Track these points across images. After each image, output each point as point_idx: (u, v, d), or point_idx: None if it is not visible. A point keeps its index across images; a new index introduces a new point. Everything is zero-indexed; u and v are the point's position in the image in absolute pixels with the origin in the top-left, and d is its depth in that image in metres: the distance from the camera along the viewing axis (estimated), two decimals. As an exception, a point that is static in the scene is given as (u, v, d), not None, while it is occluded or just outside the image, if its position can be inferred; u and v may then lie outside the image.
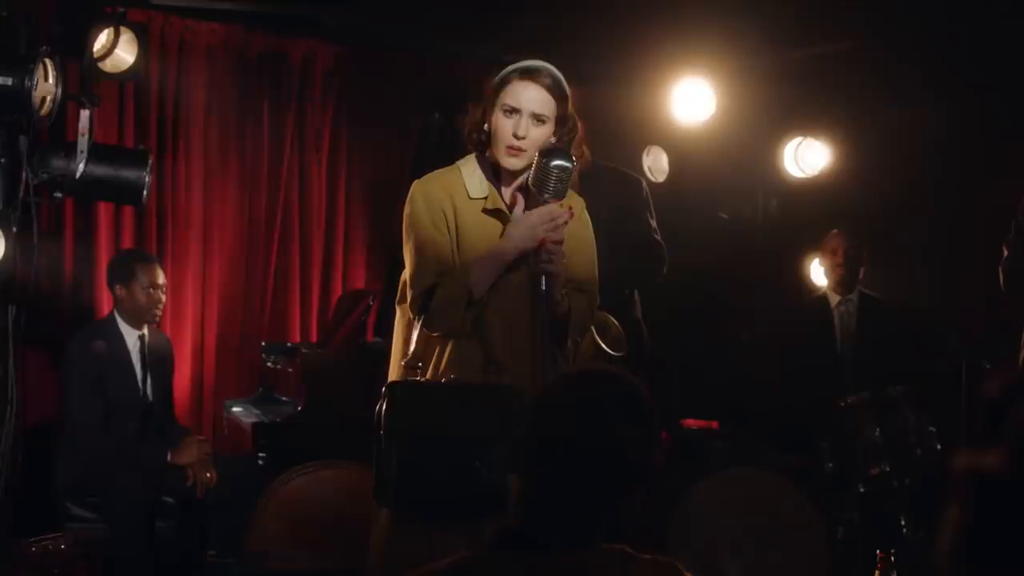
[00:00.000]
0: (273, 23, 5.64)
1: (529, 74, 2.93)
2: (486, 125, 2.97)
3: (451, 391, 2.79)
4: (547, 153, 2.85)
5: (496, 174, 3.01)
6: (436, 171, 3.07)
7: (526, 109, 2.91)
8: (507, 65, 3.03)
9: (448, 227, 2.96)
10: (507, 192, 3.02)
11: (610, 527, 1.81)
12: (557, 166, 2.82)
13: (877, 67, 5.62)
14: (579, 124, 3.03)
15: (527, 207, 2.98)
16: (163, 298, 4.69)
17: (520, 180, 2.98)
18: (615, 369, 1.86)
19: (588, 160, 3.07)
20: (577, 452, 1.71)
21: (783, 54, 5.62)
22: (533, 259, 2.87)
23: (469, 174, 3.00)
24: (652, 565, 1.72)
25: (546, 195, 2.84)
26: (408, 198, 3.02)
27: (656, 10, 4.99)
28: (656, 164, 5.91)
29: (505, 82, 2.94)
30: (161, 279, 4.66)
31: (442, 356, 2.93)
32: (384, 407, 2.67)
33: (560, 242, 2.85)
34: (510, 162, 2.95)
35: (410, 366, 2.82)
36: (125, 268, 4.64)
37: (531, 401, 1.83)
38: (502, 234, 2.94)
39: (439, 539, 2.55)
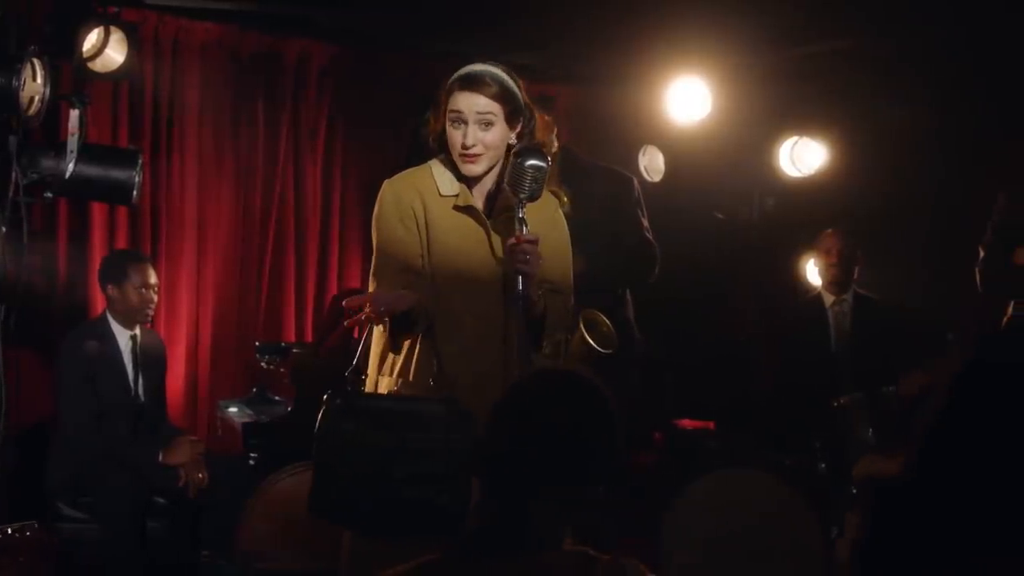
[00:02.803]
0: (267, 23, 5.64)
1: (469, 83, 2.93)
2: (444, 132, 2.99)
3: (386, 403, 2.80)
4: (521, 153, 2.86)
5: (465, 177, 3.02)
6: (407, 170, 3.08)
7: (469, 116, 2.92)
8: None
9: (417, 225, 2.98)
10: (477, 190, 3.02)
11: (589, 526, 1.80)
12: (532, 166, 2.82)
13: (873, 66, 5.60)
14: (537, 114, 3.03)
15: (500, 206, 2.98)
16: (155, 298, 4.68)
17: (489, 180, 3.00)
18: (575, 369, 1.85)
19: (555, 149, 3.07)
20: (537, 453, 1.70)
21: (779, 53, 5.61)
22: (508, 260, 2.87)
23: (440, 173, 3.02)
24: (615, 566, 1.71)
25: (522, 195, 2.84)
26: (378, 197, 3.05)
27: (651, 9, 4.98)
28: (652, 164, 5.91)
29: (450, 91, 2.96)
30: (153, 279, 4.66)
31: (399, 358, 2.96)
32: (320, 415, 2.69)
33: (535, 242, 2.84)
34: (467, 169, 2.97)
35: (355, 371, 2.83)
36: (117, 268, 4.63)
37: (492, 404, 1.82)
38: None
39: (401, 544, 2.55)
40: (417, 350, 2.96)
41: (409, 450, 2.61)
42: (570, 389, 1.77)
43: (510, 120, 2.95)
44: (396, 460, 2.61)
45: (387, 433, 2.65)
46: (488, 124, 2.92)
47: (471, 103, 2.91)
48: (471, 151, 2.93)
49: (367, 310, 2.76)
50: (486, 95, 2.91)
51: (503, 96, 2.93)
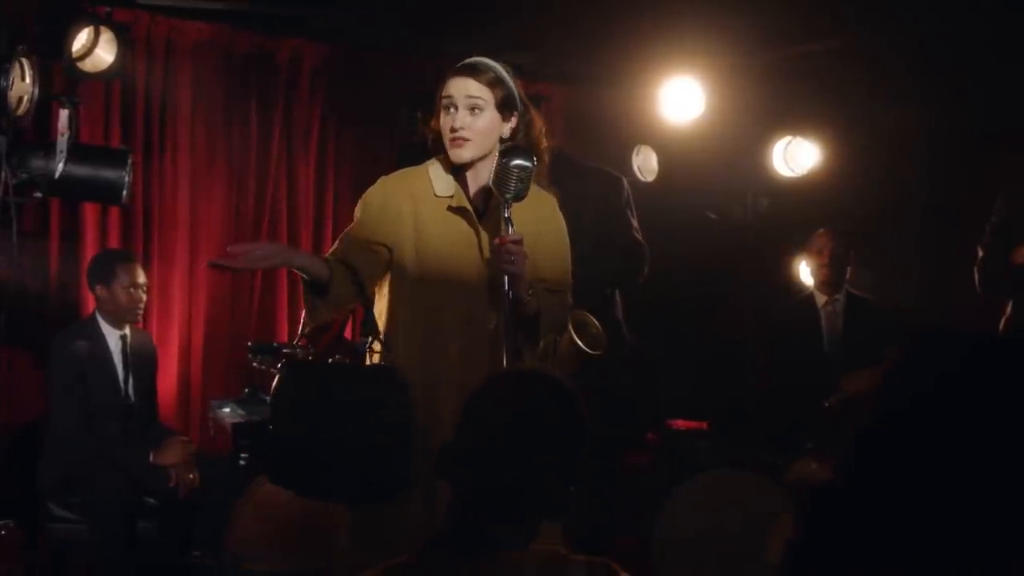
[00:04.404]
0: (260, 23, 5.63)
1: (462, 69, 2.97)
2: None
3: (327, 368, 2.88)
4: (507, 153, 2.85)
5: (460, 174, 3.01)
6: (404, 169, 3.09)
7: (459, 100, 2.94)
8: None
9: (402, 227, 2.97)
10: (472, 186, 3.02)
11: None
12: (517, 166, 2.81)
13: (866, 66, 5.59)
14: (536, 116, 3.03)
15: (490, 207, 2.98)
16: (144, 297, 4.68)
17: (484, 175, 2.99)
18: (545, 370, 1.85)
19: (549, 151, 3.08)
20: (506, 454, 1.70)
21: (772, 53, 5.60)
22: (493, 260, 2.86)
23: (436, 174, 3.03)
24: (586, 566, 1.71)
25: (508, 195, 2.83)
26: (370, 188, 3.06)
27: (645, 9, 4.97)
28: (645, 164, 5.91)
29: (444, 79, 2.99)
30: (142, 278, 4.65)
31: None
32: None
33: (520, 242, 2.83)
34: (455, 154, 2.97)
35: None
36: (105, 268, 4.62)
37: (463, 404, 1.81)
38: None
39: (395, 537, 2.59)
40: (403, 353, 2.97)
41: (348, 411, 2.70)
42: (538, 389, 1.77)
43: (501, 109, 2.96)
44: (335, 421, 2.69)
45: (327, 395, 2.75)
46: (477, 109, 2.93)
47: (462, 87, 2.94)
48: (459, 134, 2.93)
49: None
50: (477, 80, 2.93)
51: (495, 83, 2.95)
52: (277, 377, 2.81)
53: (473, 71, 2.94)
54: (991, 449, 0.85)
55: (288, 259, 2.90)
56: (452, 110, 2.94)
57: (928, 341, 0.93)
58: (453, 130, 2.93)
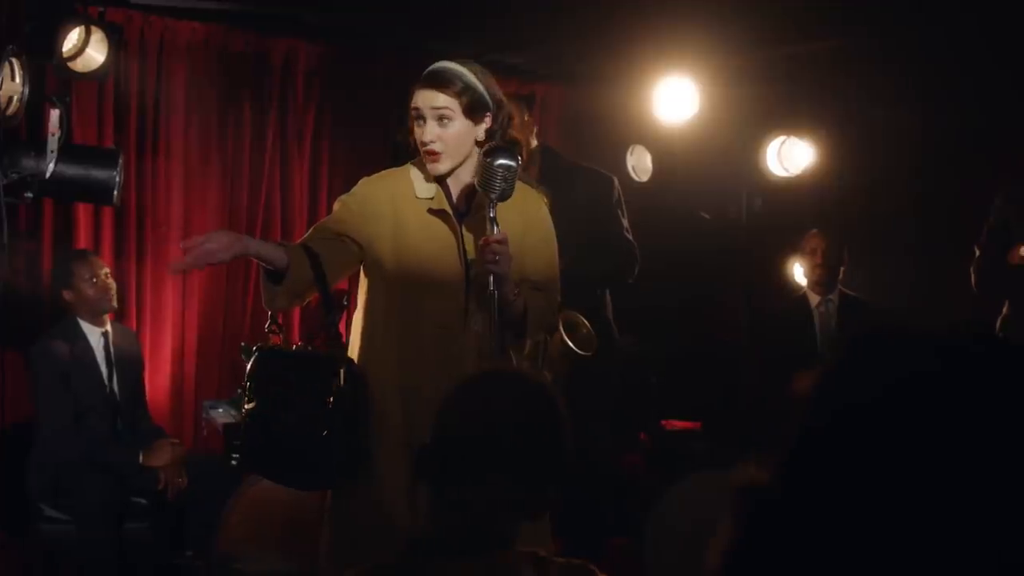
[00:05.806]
0: (254, 22, 5.61)
1: (427, 80, 2.96)
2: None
3: (284, 358, 2.94)
4: (491, 152, 2.85)
5: (442, 176, 3.02)
6: (386, 171, 3.09)
7: (427, 112, 2.94)
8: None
9: (381, 229, 2.96)
10: (455, 189, 3.02)
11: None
12: (502, 165, 2.81)
13: (861, 66, 5.59)
14: (514, 111, 3.04)
15: (474, 208, 2.98)
16: (111, 284, 4.65)
17: (466, 176, 2.99)
18: (520, 369, 1.84)
19: (530, 148, 3.09)
20: (482, 455, 1.69)
21: (766, 53, 5.59)
22: (478, 259, 2.86)
23: (417, 175, 3.03)
24: (565, 568, 1.70)
25: (492, 195, 2.83)
26: (352, 188, 3.07)
27: (639, 9, 4.97)
28: (640, 163, 5.90)
29: (412, 90, 2.98)
30: (102, 268, 4.63)
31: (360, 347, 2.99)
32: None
33: (504, 242, 2.83)
34: (431, 168, 2.98)
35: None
36: (63, 272, 4.62)
37: (440, 405, 1.80)
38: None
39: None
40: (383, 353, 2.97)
41: (297, 393, 2.76)
42: (516, 390, 1.76)
43: (470, 114, 2.94)
44: (285, 402, 2.74)
45: (280, 377, 2.85)
46: (445, 119, 2.93)
47: (428, 100, 2.93)
48: (430, 147, 2.94)
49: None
50: (442, 91, 2.92)
51: (461, 91, 2.93)
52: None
53: (437, 82, 2.93)
54: (926, 462, 0.85)
55: (244, 249, 2.83)
56: (421, 122, 2.94)
57: (871, 339, 0.92)
58: (423, 143, 2.94)
